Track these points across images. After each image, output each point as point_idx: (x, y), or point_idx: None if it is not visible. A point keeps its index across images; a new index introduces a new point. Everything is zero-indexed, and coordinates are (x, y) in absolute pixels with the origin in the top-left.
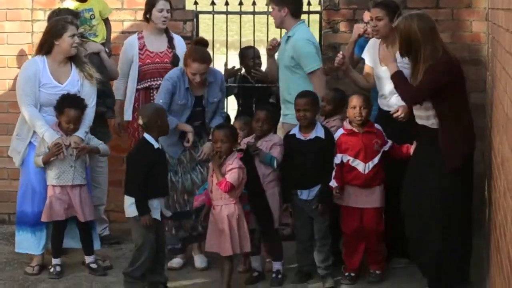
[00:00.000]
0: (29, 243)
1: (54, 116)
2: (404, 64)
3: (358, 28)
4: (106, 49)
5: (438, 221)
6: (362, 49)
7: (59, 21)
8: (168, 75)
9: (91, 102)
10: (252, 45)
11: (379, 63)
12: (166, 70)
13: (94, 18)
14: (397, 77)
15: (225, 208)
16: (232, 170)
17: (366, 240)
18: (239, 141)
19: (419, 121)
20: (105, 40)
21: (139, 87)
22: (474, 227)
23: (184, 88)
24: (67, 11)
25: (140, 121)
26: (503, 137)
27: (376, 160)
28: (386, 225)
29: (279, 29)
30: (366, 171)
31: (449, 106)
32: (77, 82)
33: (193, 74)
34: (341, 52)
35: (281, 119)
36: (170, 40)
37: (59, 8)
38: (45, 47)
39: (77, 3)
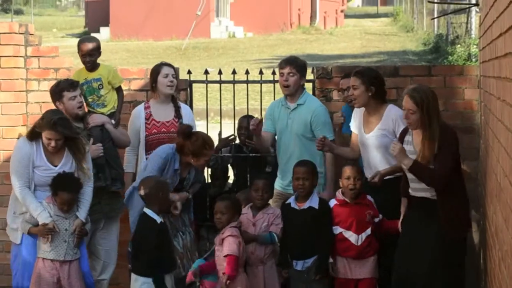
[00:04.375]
0: None
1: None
2: (386, 133)
3: (338, 118)
4: (112, 120)
5: None
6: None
7: (46, 116)
8: (161, 151)
9: (88, 181)
10: (247, 113)
11: (363, 130)
12: (172, 140)
13: (102, 88)
14: (416, 168)
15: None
16: (225, 240)
17: None
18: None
19: (415, 193)
20: (114, 110)
21: (147, 156)
22: None
23: (173, 168)
24: (65, 81)
25: (142, 192)
26: (497, 206)
27: (368, 231)
28: None
29: (272, 97)
30: (359, 243)
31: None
32: (71, 164)
33: (206, 160)
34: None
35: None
36: (177, 110)
37: (58, 81)
38: (34, 135)
39: (86, 72)
